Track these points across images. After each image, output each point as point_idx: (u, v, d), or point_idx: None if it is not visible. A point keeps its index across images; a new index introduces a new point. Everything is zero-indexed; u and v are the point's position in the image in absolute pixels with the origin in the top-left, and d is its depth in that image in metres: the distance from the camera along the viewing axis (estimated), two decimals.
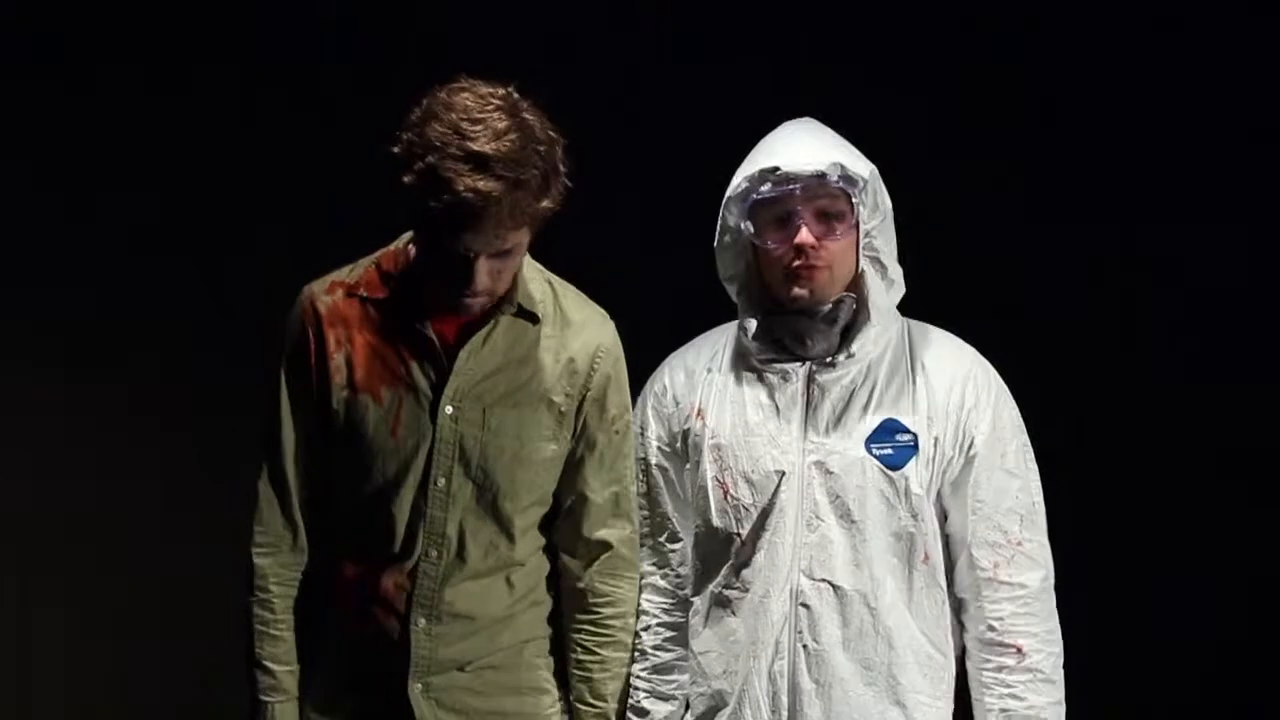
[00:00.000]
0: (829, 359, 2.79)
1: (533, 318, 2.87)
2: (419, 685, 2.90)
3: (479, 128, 2.63)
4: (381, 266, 2.89)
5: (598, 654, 2.95)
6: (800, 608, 2.76)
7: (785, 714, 2.76)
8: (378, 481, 2.86)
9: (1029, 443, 2.83)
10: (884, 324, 2.80)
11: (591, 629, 2.95)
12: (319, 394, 2.86)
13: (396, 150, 2.66)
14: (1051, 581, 2.81)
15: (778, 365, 2.81)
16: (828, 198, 2.74)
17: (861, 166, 2.75)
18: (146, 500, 4.03)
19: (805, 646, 2.75)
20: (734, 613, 2.80)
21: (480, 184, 2.61)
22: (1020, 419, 2.83)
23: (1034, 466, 2.83)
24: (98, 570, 4.02)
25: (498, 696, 2.94)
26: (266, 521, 2.92)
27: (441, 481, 2.86)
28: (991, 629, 2.77)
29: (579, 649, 2.96)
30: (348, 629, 2.92)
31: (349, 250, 2.97)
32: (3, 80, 3.97)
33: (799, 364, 2.80)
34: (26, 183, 3.98)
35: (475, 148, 2.62)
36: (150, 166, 4.00)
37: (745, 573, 2.79)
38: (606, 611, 2.95)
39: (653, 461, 2.93)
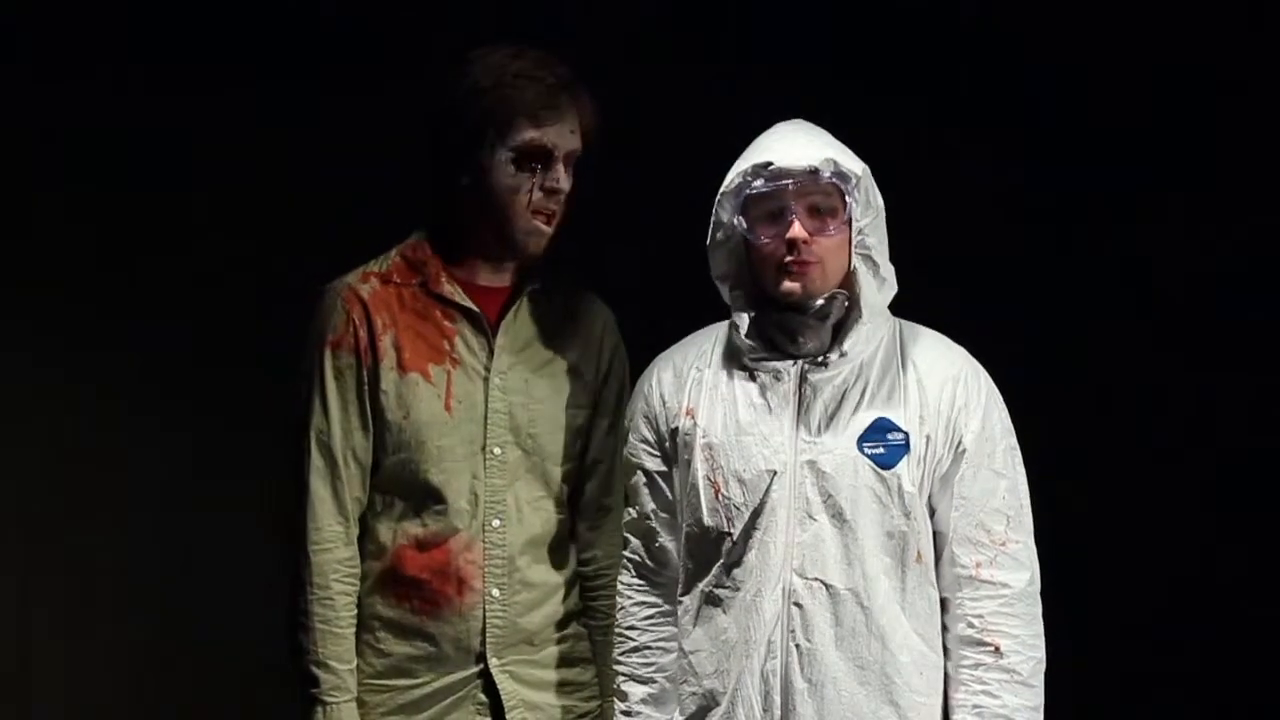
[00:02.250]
0: (821, 358, 2.78)
1: (553, 294, 3.06)
2: (495, 660, 2.97)
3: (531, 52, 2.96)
4: (406, 256, 3.02)
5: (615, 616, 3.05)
6: (793, 606, 2.75)
7: (778, 713, 2.75)
8: (434, 457, 2.95)
9: (1017, 445, 2.82)
10: (875, 322, 2.80)
11: (607, 593, 3.05)
12: (370, 378, 2.95)
13: (460, 92, 2.91)
14: (1037, 586, 2.79)
15: (770, 364, 2.81)
16: (820, 194, 2.74)
17: (854, 164, 2.75)
18: (146, 500, 4.04)
19: (798, 645, 2.75)
20: (725, 611, 2.80)
21: (558, 70, 2.93)
22: (1009, 421, 2.82)
23: (1022, 469, 2.82)
24: (98, 570, 4.02)
25: (558, 668, 3.04)
26: (319, 518, 2.94)
27: (498, 450, 2.98)
28: (971, 626, 2.76)
29: (600, 615, 3.07)
30: (411, 614, 2.97)
31: (349, 250, 3.08)
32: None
33: (791, 363, 2.80)
34: (28, 180, 3.99)
35: (538, 54, 2.94)
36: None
37: (737, 571, 2.79)
38: (615, 574, 3.03)
39: (637, 462, 2.93)
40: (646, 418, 2.92)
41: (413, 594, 2.97)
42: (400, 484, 2.96)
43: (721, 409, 2.84)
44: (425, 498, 2.96)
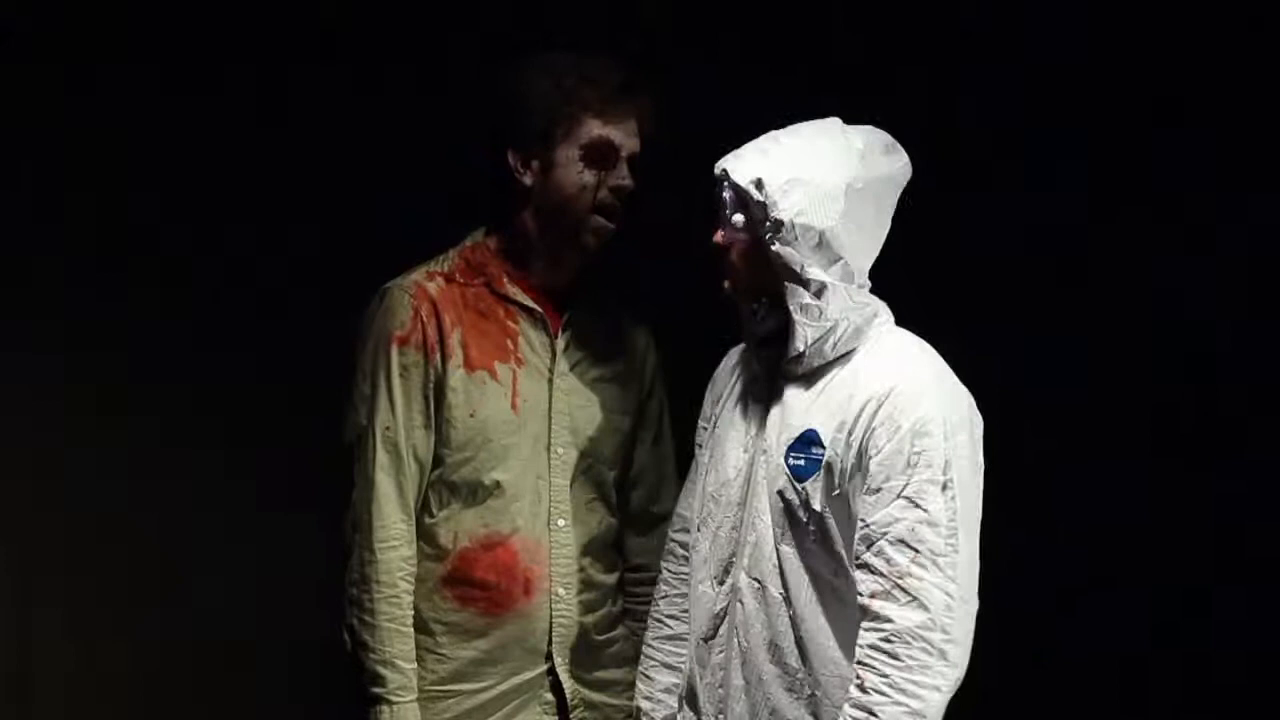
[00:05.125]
0: (790, 363, 2.74)
1: (605, 301, 3.13)
2: (560, 659, 3.01)
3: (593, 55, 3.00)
4: (467, 258, 3.06)
5: None
6: (738, 604, 2.73)
7: (720, 706, 2.75)
8: (500, 455, 2.99)
9: (964, 488, 2.61)
10: (811, 335, 2.70)
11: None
12: (436, 376, 2.97)
13: (523, 93, 2.95)
14: (938, 635, 2.55)
15: (758, 365, 2.82)
16: (727, 203, 2.73)
17: (753, 173, 2.68)
18: (147, 500, 4.02)
19: (739, 644, 2.73)
20: (696, 602, 2.82)
21: (623, 70, 2.97)
22: (956, 459, 2.61)
23: (963, 513, 2.60)
24: (98, 570, 4.02)
25: (611, 669, 3.08)
26: (386, 515, 2.96)
27: (560, 450, 3.04)
28: (858, 649, 2.61)
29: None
30: (478, 616, 3.00)
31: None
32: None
33: (767, 366, 2.79)
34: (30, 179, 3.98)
35: (600, 57, 3.00)
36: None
37: (703, 563, 2.81)
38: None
39: (697, 441, 2.94)
40: (709, 400, 2.95)
41: (479, 596, 3.00)
42: (461, 483, 2.99)
43: (731, 401, 2.86)
44: (489, 497, 2.99)
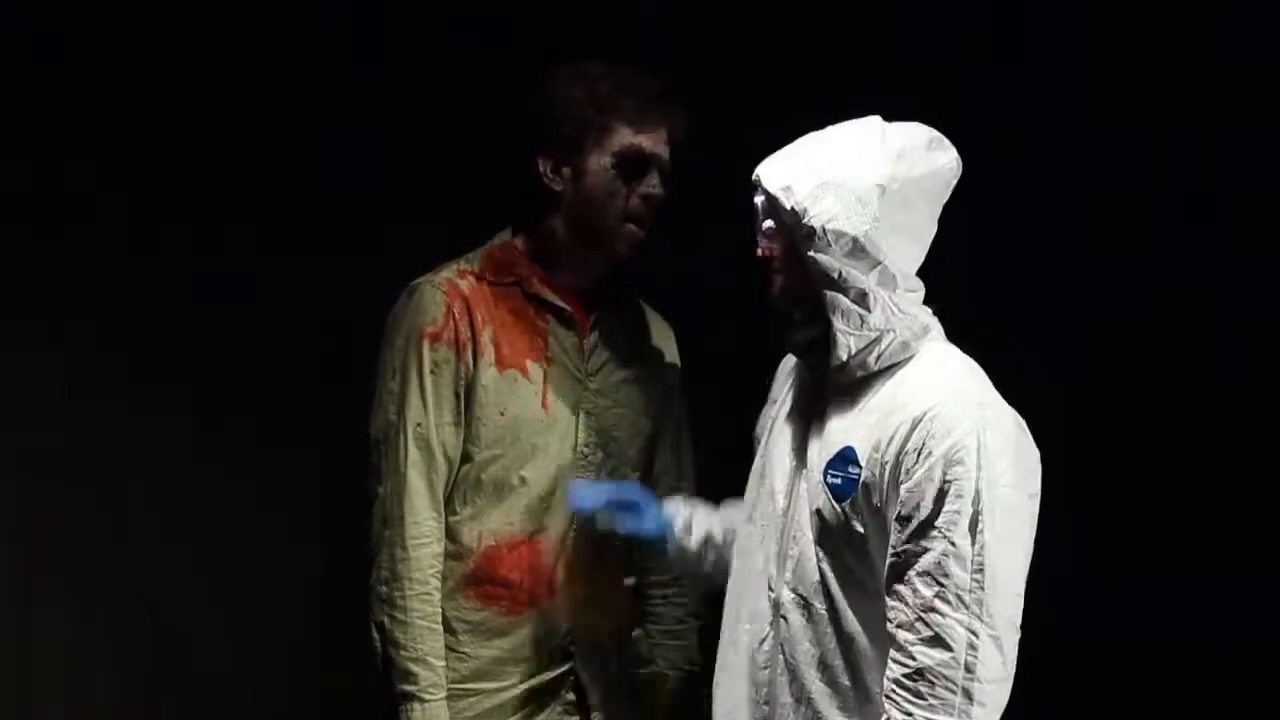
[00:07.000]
0: (834, 373, 2.67)
1: (629, 304, 3.15)
2: (580, 659, 3.02)
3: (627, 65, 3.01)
4: (495, 257, 3.06)
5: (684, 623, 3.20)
6: (781, 620, 2.69)
7: None
8: (529, 454, 2.99)
9: (1006, 518, 2.51)
10: (854, 344, 2.62)
11: (668, 600, 3.18)
12: (466, 373, 2.97)
13: (558, 99, 2.96)
14: (959, 672, 2.47)
15: (809, 374, 2.77)
16: (760, 209, 2.69)
17: (785, 180, 2.61)
18: (147, 500, 4.03)
19: (785, 660, 2.68)
20: (737, 614, 2.78)
21: (658, 80, 2.98)
22: (1000, 491, 2.51)
23: (998, 551, 2.50)
24: (98, 570, 4.01)
25: (628, 669, 3.10)
26: (418, 512, 2.95)
27: (586, 450, 3.04)
28: (885, 680, 2.55)
29: (661, 619, 3.18)
30: (501, 615, 3.00)
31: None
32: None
33: (818, 376, 2.72)
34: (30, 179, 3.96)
35: (634, 67, 3.00)
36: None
37: (749, 572, 2.76)
38: (678, 583, 3.16)
39: (756, 432, 2.90)
40: (768, 399, 2.91)
41: (502, 594, 3.00)
42: (488, 481, 2.99)
43: (785, 407, 2.80)
44: (515, 495, 2.99)
